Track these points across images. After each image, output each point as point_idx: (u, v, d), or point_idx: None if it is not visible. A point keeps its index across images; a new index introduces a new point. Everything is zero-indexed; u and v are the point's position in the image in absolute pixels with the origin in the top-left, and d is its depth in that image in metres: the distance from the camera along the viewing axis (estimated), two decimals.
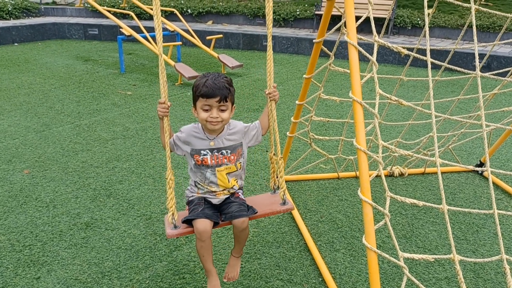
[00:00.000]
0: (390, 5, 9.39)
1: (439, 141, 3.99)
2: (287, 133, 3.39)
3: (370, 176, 1.78)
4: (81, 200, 3.34)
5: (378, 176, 1.80)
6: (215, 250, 2.75)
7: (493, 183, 3.69)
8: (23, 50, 9.12)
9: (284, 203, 2.24)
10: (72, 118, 5.11)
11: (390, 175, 3.85)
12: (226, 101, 1.97)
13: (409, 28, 9.85)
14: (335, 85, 6.83)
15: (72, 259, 2.67)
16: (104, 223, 3.05)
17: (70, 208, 3.22)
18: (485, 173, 3.91)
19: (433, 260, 1.73)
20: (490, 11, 2.28)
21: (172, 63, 6.71)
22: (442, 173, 3.90)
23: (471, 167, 2.11)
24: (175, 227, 2.07)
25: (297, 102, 3.12)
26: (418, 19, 9.79)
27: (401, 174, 3.86)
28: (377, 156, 1.79)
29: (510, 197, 3.55)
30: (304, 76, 2.92)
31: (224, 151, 2.08)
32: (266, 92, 2.11)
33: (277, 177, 2.28)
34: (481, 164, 3.90)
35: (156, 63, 8.08)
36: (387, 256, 1.70)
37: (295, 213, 3.17)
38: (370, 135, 3.57)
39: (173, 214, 2.05)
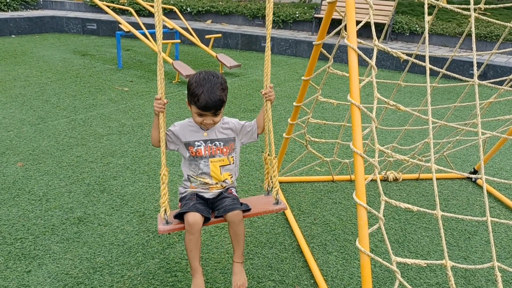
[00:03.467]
0: (390, 10, 9.43)
1: (434, 148, 4.00)
2: (284, 134, 3.40)
3: (365, 180, 1.78)
4: (75, 194, 3.33)
5: (373, 180, 1.80)
6: (208, 248, 2.75)
7: (486, 191, 3.71)
8: (20, 42, 9.07)
9: (277, 202, 2.26)
10: (67, 112, 5.09)
11: (384, 180, 3.87)
12: (220, 110, 2.05)
13: (407, 34, 9.90)
14: (332, 89, 6.84)
15: (63, 253, 2.65)
16: (97, 219, 3.03)
17: (63, 203, 3.20)
18: (478, 181, 3.93)
19: (425, 265, 1.73)
20: (489, 19, 2.29)
21: (170, 60, 6.69)
22: (436, 179, 3.91)
23: (465, 174, 2.12)
24: (167, 223, 2.08)
25: (294, 103, 3.12)
26: (417, 25, 9.84)
27: (396, 179, 3.87)
28: (374, 160, 1.80)
29: (502, 205, 3.57)
30: (303, 77, 2.92)
31: (217, 143, 2.14)
32: (263, 93, 2.16)
33: (270, 179, 2.30)
34: (475, 172, 3.93)
35: (154, 60, 8.07)
36: (380, 260, 1.70)
37: (289, 215, 3.18)
38: (366, 139, 3.58)
39: (165, 210, 2.06)
